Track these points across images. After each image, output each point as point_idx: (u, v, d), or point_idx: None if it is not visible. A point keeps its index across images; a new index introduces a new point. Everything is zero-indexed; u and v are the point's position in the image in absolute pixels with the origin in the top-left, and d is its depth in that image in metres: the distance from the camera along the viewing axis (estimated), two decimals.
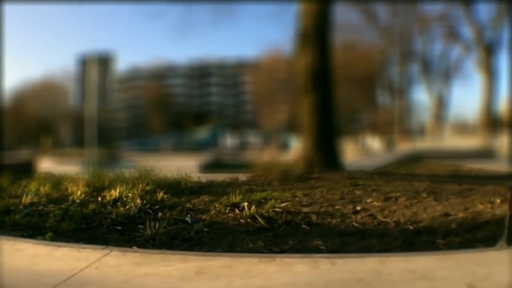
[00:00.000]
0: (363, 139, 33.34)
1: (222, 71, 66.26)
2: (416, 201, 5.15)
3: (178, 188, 6.41)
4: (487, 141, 22.73)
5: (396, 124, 35.56)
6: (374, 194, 5.58)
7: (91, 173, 7.74)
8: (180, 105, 62.89)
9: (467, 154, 17.65)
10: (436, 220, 4.26)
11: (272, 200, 4.80)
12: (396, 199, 5.27)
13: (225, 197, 5.19)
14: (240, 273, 2.86)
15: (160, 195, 5.54)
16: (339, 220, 4.28)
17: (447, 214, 4.47)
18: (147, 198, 5.31)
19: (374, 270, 2.80)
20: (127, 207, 4.87)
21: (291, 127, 56.80)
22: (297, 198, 5.57)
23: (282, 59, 54.91)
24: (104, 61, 9.18)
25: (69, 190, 5.75)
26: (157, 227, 3.94)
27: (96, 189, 5.84)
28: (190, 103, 65.06)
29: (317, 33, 8.16)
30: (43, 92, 42.49)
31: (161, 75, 64.07)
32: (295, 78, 9.32)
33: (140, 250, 3.53)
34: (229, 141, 42.45)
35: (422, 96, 54.28)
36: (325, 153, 8.14)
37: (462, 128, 34.41)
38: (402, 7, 30.90)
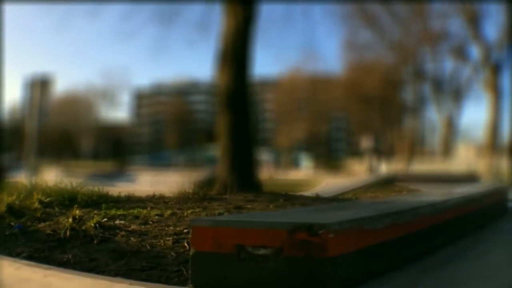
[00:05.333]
0: (371, 160, 32.52)
1: None
2: None
3: (75, 201, 6.79)
4: (492, 163, 21.56)
5: (409, 144, 34.41)
6: None
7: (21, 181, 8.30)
8: (201, 121, 64.07)
9: (453, 177, 16.85)
10: None
11: (96, 216, 4.89)
12: None
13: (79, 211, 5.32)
14: None
15: (35, 205, 5.93)
16: (134, 240, 4.30)
17: None
18: (21, 206, 5.66)
19: None
20: None
21: (309, 146, 56.06)
22: (156, 217, 5.58)
23: (303, 78, 54.75)
24: (44, 83, 9.68)
25: None
26: None
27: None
28: (211, 119, 66.14)
29: (236, 54, 8.15)
30: (65, 105, 44.91)
31: (184, 92, 65.82)
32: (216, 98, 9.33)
33: None
34: None
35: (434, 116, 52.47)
36: (240, 174, 8.03)
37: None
38: (412, 25, 30.21)
